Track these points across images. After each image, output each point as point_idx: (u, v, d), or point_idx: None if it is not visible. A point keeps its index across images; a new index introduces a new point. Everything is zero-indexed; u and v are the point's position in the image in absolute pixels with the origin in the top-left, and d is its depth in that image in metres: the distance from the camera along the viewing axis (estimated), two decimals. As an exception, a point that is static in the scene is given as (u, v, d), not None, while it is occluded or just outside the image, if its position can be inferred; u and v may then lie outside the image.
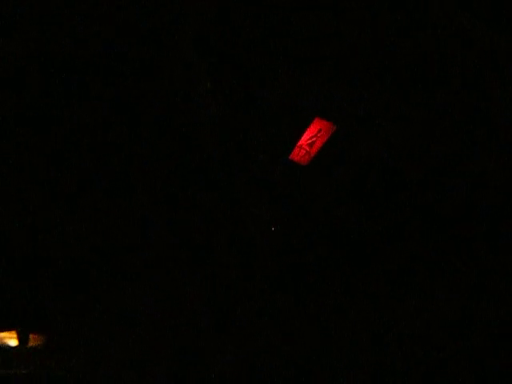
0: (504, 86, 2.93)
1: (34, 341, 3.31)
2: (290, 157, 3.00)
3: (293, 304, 3.50)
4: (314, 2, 2.93)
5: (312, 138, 2.95)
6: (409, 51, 2.94)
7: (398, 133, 3.04)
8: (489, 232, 3.19)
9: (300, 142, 2.96)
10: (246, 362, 3.58)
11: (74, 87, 3.04)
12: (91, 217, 3.38)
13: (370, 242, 3.24)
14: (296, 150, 2.98)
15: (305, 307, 3.51)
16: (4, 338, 3.27)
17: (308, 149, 2.98)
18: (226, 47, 2.98)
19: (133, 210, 3.41)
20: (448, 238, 3.18)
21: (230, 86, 2.98)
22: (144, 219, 3.42)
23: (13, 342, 3.27)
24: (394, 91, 2.96)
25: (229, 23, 3.01)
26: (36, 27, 2.94)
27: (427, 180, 3.13)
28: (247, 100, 2.99)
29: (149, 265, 3.50)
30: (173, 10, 3.00)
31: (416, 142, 3.07)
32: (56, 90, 3.03)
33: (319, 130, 2.93)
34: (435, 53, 2.96)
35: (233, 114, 3.01)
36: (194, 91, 3.01)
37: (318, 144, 2.97)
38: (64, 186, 3.27)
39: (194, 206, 3.41)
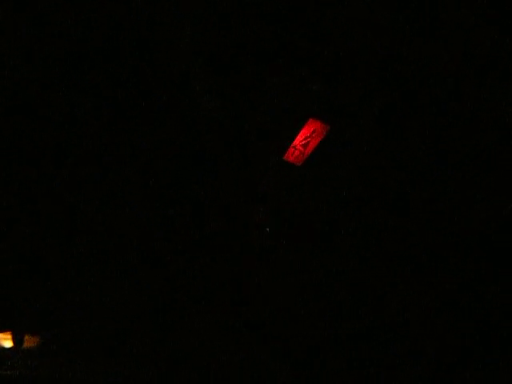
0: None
1: (28, 342, 3.32)
2: (284, 157, 2.99)
3: (291, 301, 3.49)
4: (311, 4, 2.92)
5: (306, 138, 2.94)
6: (405, 53, 2.93)
7: (392, 133, 3.04)
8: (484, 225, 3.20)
9: (294, 143, 2.95)
10: (245, 360, 3.57)
11: (75, 82, 3.05)
12: (88, 214, 3.37)
13: (363, 241, 3.23)
14: (290, 151, 2.97)
15: (301, 304, 3.50)
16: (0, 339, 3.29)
17: (302, 149, 2.97)
18: (222, 50, 2.98)
19: (132, 212, 3.42)
20: (441, 238, 3.18)
21: (225, 89, 2.98)
22: (141, 217, 3.42)
23: (8, 343, 3.27)
24: (390, 92, 2.95)
25: (225, 24, 3.01)
26: (36, 26, 2.95)
27: (421, 178, 3.12)
28: (242, 101, 2.99)
29: (145, 264, 3.49)
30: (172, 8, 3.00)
31: (409, 141, 3.07)
32: (58, 83, 3.05)
33: (313, 131, 2.93)
34: (433, 55, 2.95)
35: (228, 115, 3.01)
36: (191, 92, 3.01)
37: (312, 144, 2.96)
38: (62, 180, 3.27)
39: (190, 206, 3.40)
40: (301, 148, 2.97)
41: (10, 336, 3.30)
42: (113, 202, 3.37)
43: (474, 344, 3.25)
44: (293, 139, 2.95)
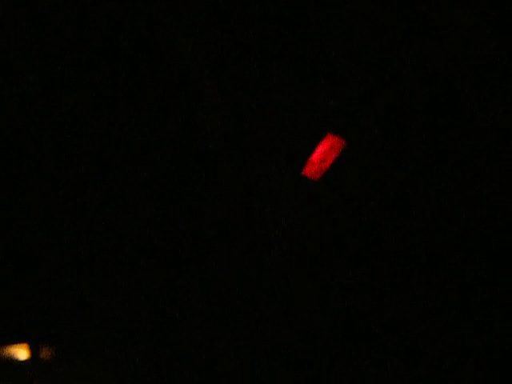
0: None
1: (44, 353, 3.32)
2: (302, 172, 2.99)
3: (299, 307, 3.54)
4: (331, 13, 2.87)
5: (324, 153, 2.95)
6: (404, 53, 2.91)
7: (409, 149, 3.06)
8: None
9: (312, 158, 2.95)
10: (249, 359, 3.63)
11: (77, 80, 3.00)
12: (88, 215, 3.34)
13: (380, 258, 3.28)
14: (308, 166, 2.97)
15: (310, 311, 3.55)
16: (15, 350, 3.27)
17: (320, 164, 2.98)
18: (236, 61, 2.94)
19: (132, 211, 3.40)
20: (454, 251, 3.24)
21: (241, 102, 2.95)
22: (141, 217, 3.41)
23: (23, 354, 3.27)
24: (408, 109, 2.96)
25: (229, 24, 2.96)
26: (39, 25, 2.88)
27: (436, 194, 3.16)
28: (259, 115, 2.96)
29: (156, 271, 3.49)
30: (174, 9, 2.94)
31: (425, 156, 3.09)
32: (58, 83, 3.00)
33: (331, 146, 2.93)
34: (433, 55, 2.94)
35: (245, 130, 2.99)
36: (204, 106, 2.98)
37: (330, 159, 2.97)
38: (61, 180, 3.24)
39: (192, 208, 3.40)
40: (319, 163, 2.98)
41: (25, 347, 3.29)
42: (112, 201, 3.35)
43: (474, 343, 3.35)
44: (311, 154, 2.95)
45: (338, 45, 2.95)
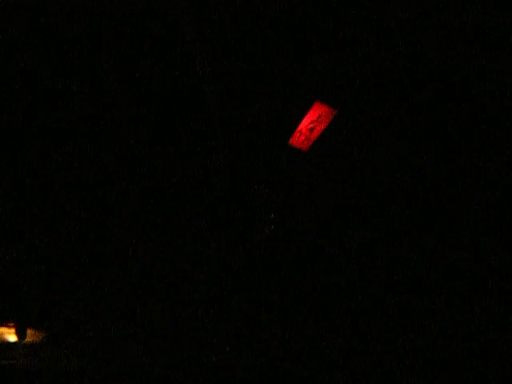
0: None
1: (31, 335, 3.29)
2: (290, 142, 2.93)
3: (290, 293, 3.44)
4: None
5: (312, 122, 2.89)
6: (412, 37, 2.87)
7: (399, 119, 2.99)
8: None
9: (300, 127, 2.89)
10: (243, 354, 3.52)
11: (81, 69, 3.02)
12: (94, 208, 3.33)
13: (368, 229, 3.19)
14: (296, 135, 2.92)
15: (300, 295, 3.45)
16: (2, 332, 3.25)
17: (308, 134, 2.92)
18: (226, 33, 2.94)
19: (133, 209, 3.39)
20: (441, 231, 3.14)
21: (230, 72, 2.93)
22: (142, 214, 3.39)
23: (11, 336, 3.24)
24: (396, 77, 2.90)
25: (228, 9, 2.96)
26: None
27: (423, 167, 3.08)
28: (246, 83, 2.94)
29: (146, 257, 3.45)
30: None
31: (415, 128, 3.02)
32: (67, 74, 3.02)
33: (319, 115, 2.87)
34: (436, 38, 2.90)
35: (232, 98, 2.97)
36: (194, 74, 2.96)
37: (319, 129, 2.91)
38: (66, 174, 3.24)
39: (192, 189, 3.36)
40: (307, 133, 2.92)
41: (13, 329, 3.27)
42: (111, 200, 3.35)
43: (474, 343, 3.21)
44: (298, 123, 2.89)
45: (327, 13, 2.93)
